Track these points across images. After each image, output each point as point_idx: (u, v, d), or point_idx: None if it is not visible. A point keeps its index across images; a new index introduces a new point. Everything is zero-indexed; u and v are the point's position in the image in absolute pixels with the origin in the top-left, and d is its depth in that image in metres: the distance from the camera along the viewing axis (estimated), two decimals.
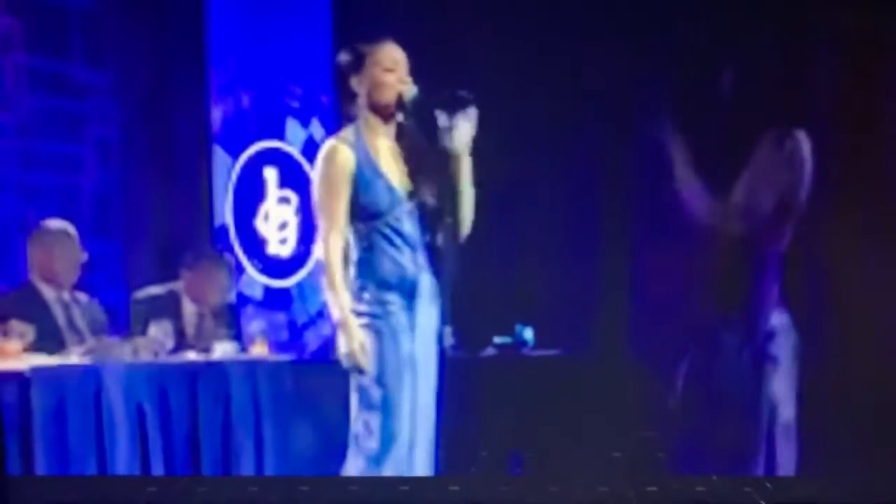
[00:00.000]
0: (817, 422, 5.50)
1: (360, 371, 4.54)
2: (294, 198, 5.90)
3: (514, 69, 5.55)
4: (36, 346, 5.00)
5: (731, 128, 5.46)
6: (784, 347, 5.50)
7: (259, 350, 5.49)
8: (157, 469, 5.08)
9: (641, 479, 5.07)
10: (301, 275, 5.93)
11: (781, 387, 5.51)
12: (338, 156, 4.55)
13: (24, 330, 5.01)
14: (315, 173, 4.70)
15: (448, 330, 4.98)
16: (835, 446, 5.42)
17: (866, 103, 5.44)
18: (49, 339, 5.14)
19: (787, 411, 5.52)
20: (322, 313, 5.58)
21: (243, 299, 5.98)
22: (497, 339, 5.55)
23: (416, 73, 4.65)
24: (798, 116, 5.42)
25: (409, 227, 4.66)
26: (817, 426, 5.50)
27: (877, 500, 4.75)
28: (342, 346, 4.60)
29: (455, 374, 4.95)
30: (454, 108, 4.53)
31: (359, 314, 4.68)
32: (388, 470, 4.87)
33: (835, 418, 5.48)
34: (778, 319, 5.53)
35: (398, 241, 4.66)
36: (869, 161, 5.47)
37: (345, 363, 4.61)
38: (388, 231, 4.63)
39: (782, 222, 5.43)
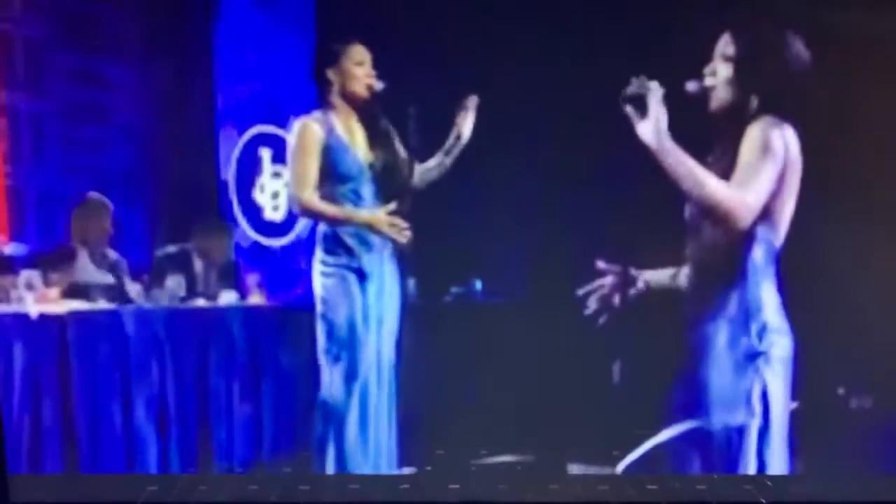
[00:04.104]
0: (817, 421, 5.16)
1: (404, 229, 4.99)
2: (285, 172, 5.82)
3: (489, 62, 5.36)
4: (72, 294, 5.43)
5: (722, 118, 5.04)
6: (779, 345, 5.02)
7: (256, 299, 5.75)
8: (171, 392, 5.34)
9: (641, 478, 5.06)
10: (290, 237, 5.92)
11: (778, 385, 5.05)
12: (307, 130, 5.04)
13: (62, 281, 5.44)
14: (290, 145, 5.08)
15: (412, 281, 5.39)
16: (835, 445, 5.15)
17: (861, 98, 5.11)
18: (83, 289, 5.51)
19: (783, 410, 5.08)
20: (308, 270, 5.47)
21: (240, 253, 5.96)
22: (454, 289, 5.74)
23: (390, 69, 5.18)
24: (789, 110, 4.97)
25: (369, 192, 5.11)
26: (817, 425, 5.15)
27: (876, 500, 4.86)
28: (383, 227, 5.04)
29: (416, 317, 5.36)
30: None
31: (325, 264, 5.09)
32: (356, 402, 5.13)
33: (835, 418, 5.24)
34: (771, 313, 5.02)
35: (360, 203, 5.08)
36: (865, 157, 5.14)
37: (392, 234, 5.03)
38: (350, 194, 5.07)
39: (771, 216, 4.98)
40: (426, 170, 5.26)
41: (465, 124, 5.17)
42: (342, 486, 5.10)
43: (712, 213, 4.98)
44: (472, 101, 5.18)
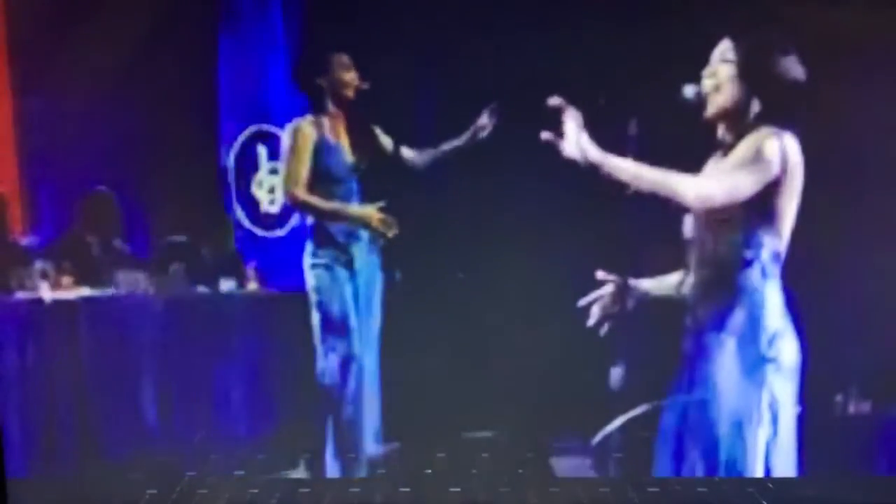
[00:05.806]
0: (820, 424, 5.13)
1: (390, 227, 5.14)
2: (281, 168, 5.74)
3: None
4: (82, 282, 5.63)
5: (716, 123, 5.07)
6: (784, 349, 5.06)
7: (253, 286, 5.86)
8: (174, 376, 5.52)
9: (643, 480, 5.05)
10: (286, 229, 5.89)
11: (782, 387, 5.07)
12: (299, 131, 5.30)
13: (73, 269, 5.63)
14: (283, 145, 5.31)
15: (400, 274, 5.52)
16: (836, 447, 5.15)
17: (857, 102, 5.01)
18: (92, 276, 5.69)
19: (788, 414, 5.11)
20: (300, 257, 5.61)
21: (238, 243, 5.94)
22: (442, 286, 5.49)
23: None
24: (791, 116, 4.97)
25: (360, 192, 5.33)
26: (820, 428, 5.13)
27: (877, 501, 4.92)
28: (374, 222, 5.22)
29: (405, 312, 5.49)
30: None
31: (315, 256, 5.30)
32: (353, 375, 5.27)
33: (836, 419, 5.21)
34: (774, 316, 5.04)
35: (351, 202, 5.30)
36: (868, 162, 5.09)
37: (382, 229, 5.24)
38: (343, 194, 5.30)
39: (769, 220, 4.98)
40: (436, 152, 5.39)
41: (485, 130, 5.31)
42: (343, 489, 5.19)
43: (667, 199, 5.07)
44: (493, 108, 5.30)
